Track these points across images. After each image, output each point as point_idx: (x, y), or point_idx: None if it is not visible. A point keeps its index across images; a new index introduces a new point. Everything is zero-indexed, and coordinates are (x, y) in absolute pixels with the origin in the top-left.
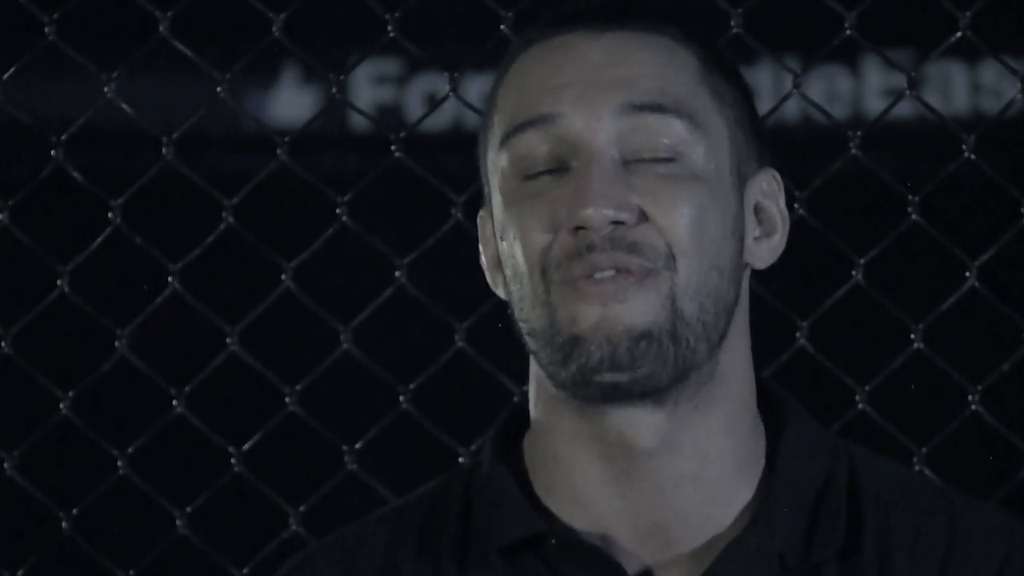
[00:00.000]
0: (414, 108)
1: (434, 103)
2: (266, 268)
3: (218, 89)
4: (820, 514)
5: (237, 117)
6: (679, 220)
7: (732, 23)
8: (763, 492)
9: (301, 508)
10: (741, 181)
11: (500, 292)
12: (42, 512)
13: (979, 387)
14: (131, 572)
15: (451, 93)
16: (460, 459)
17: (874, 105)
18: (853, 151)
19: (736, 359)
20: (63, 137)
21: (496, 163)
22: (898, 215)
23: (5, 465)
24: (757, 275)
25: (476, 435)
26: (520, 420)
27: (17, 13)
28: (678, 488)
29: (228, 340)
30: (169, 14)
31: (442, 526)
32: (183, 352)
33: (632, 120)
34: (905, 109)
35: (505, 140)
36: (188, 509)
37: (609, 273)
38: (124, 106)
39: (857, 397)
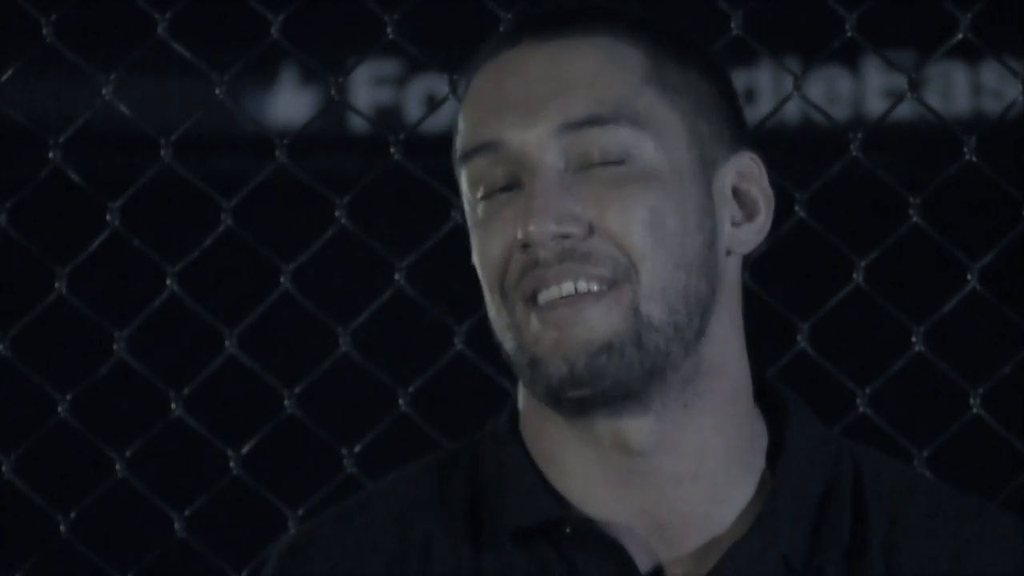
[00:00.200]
0: (413, 109)
1: (433, 104)
2: (265, 270)
3: (216, 90)
4: (825, 515)
5: (236, 118)
6: (632, 226)
7: (732, 24)
8: (766, 491)
9: (300, 511)
10: (708, 169)
11: None
12: (40, 515)
13: (980, 389)
14: (129, 575)
15: (450, 94)
16: (491, 423)
17: (875, 106)
18: (854, 153)
19: (724, 352)
20: (61, 139)
21: (461, 185)
22: (899, 217)
23: (3, 467)
24: (757, 276)
25: None
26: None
27: (15, 14)
28: (676, 487)
29: (226, 342)
30: (167, 15)
31: (454, 502)
32: (181, 354)
33: (572, 136)
34: (906, 110)
35: (459, 164)
36: (186, 512)
37: (568, 289)
38: (122, 107)
39: (858, 400)
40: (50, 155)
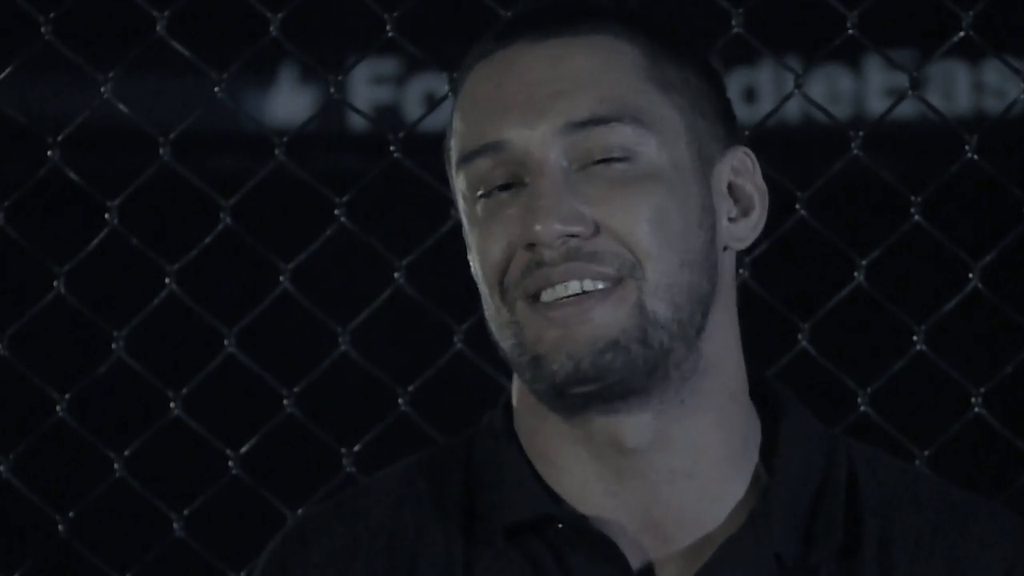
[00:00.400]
0: (413, 108)
1: (433, 103)
2: (264, 269)
3: (216, 89)
4: (818, 513)
5: (235, 117)
6: (638, 225)
7: (733, 23)
8: (759, 488)
9: (299, 511)
10: (706, 166)
11: None
12: (38, 515)
13: (982, 389)
14: (128, 575)
15: (450, 93)
16: (484, 419)
17: (876, 105)
18: (855, 151)
19: (722, 348)
20: (59, 137)
21: (457, 185)
22: (900, 216)
23: (1, 467)
24: (758, 276)
25: None
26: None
27: (13, 12)
28: (671, 484)
29: (225, 342)
30: (166, 13)
31: (448, 495)
32: (180, 354)
33: (575, 135)
34: (907, 109)
35: (459, 165)
36: (185, 512)
37: (574, 288)
38: (121, 106)
39: (859, 399)
40: (48, 154)
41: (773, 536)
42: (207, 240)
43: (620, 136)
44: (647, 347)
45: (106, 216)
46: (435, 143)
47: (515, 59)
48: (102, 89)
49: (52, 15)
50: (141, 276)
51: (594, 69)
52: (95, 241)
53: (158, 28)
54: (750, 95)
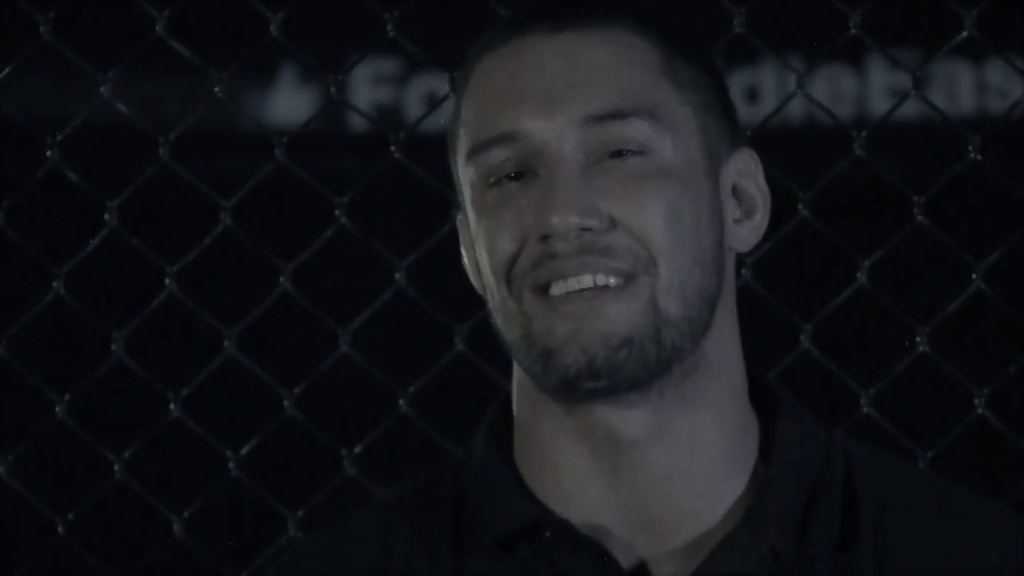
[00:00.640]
0: (413, 108)
1: (434, 103)
2: (264, 270)
3: (215, 89)
4: (814, 508)
5: (235, 117)
6: (653, 221)
7: (735, 23)
8: (756, 485)
9: (299, 513)
10: (714, 166)
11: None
12: (38, 516)
13: (985, 390)
14: None
15: (451, 93)
16: (473, 439)
17: (879, 105)
18: (858, 152)
19: (723, 347)
20: (59, 137)
21: (465, 175)
22: (903, 216)
23: (1, 469)
24: (761, 276)
25: None
26: (510, 413)
27: (12, 12)
28: (669, 481)
29: (225, 343)
30: (166, 13)
31: (436, 516)
32: (180, 355)
33: (593, 129)
34: (910, 109)
35: (472, 155)
36: (185, 514)
37: (587, 282)
38: (120, 106)
39: (862, 400)
40: (48, 154)
41: (770, 532)
42: (207, 241)
43: (637, 131)
44: (660, 345)
45: (105, 216)
46: (436, 143)
47: (530, 49)
48: (101, 89)
49: (51, 14)
50: (141, 277)
51: (611, 63)
52: (94, 242)
53: (158, 28)
54: (752, 95)
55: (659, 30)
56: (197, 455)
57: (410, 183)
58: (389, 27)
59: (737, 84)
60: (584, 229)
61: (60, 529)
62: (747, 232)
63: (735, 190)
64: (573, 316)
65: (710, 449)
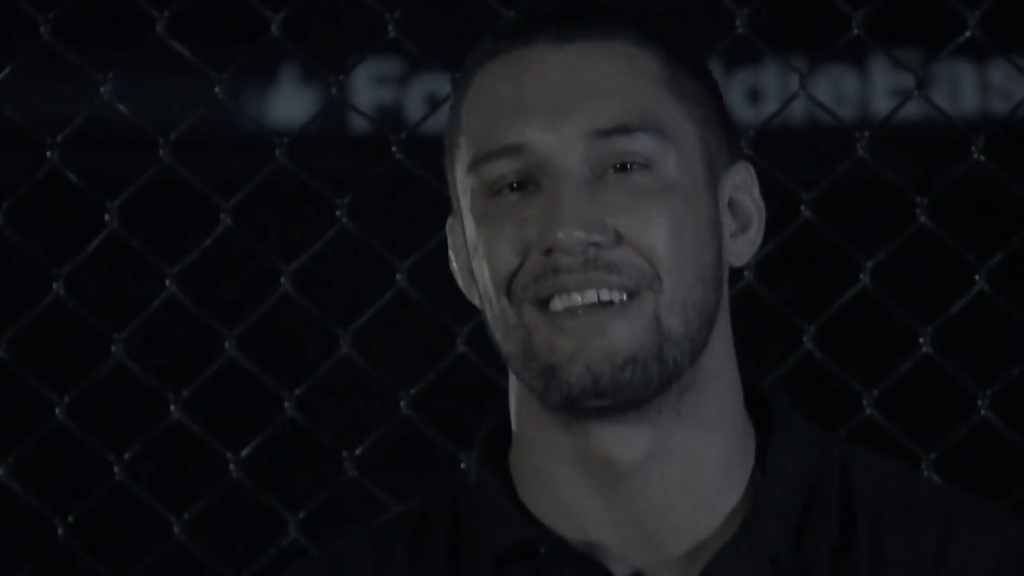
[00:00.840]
0: (415, 108)
1: (435, 104)
2: (264, 271)
3: (216, 89)
4: (812, 515)
5: (235, 118)
6: (658, 237)
7: (737, 23)
8: (753, 494)
9: (300, 515)
10: (715, 180)
11: (475, 301)
12: (38, 518)
13: (988, 392)
14: None
15: (452, 94)
16: (462, 464)
17: (882, 106)
18: (860, 152)
19: (719, 361)
20: (59, 138)
21: (465, 184)
22: (906, 217)
23: (0, 471)
24: (763, 278)
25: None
26: (506, 429)
27: (12, 12)
28: (666, 497)
29: (226, 344)
30: (166, 13)
31: (432, 538)
32: (180, 356)
33: (598, 143)
34: (913, 110)
35: (474, 166)
36: (185, 516)
37: (591, 297)
38: (121, 107)
39: (864, 402)
40: (48, 155)
41: (767, 538)
42: (207, 242)
43: (642, 145)
44: (662, 363)
45: (105, 217)
46: (438, 144)
47: (535, 60)
48: (102, 89)
49: (51, 15)
50: (141, 278)
51: (617, 76)
52: (94, 243)
53: (158, 28)
54: (754, 96)
55: (662, 40)
56: (197, 456)
57: (411, 184)
58: (390, 27)
59: (739, 84)
60: (590, 244)
61: (60, 531)
62: (743, 246)
63: (731, 203)
64: (577, 332)
65: (707, 463)
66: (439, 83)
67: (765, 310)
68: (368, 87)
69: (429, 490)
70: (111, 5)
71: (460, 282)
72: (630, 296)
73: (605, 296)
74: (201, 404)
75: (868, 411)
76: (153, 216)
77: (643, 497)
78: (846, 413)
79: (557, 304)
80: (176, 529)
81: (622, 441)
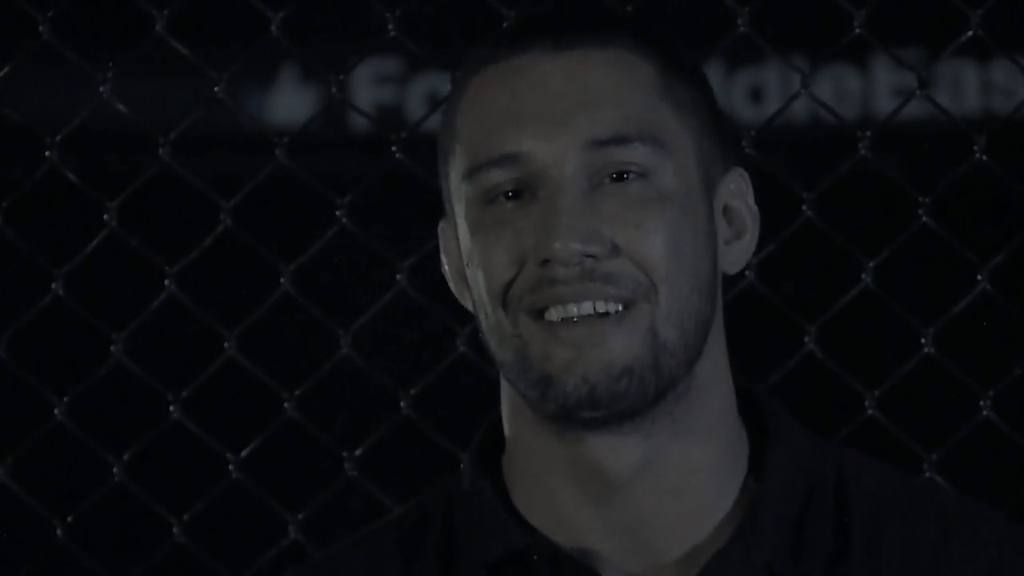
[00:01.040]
0: (415, 108)
1: (435, 103)
2: (264, 271)
3: (216, 89)
4: (807, 522)
5: (235, 117)
6: (655, 248)
7: (739, 22)
8: (748, 500)
9: (300, 515)
10: (710, 188)
11: (467, 305)
12: (36, 519)
13: (991, 392)
14: None
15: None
16: (462, 465)
17: (884, 105)
18: (862, 152)
19: (713, 368)
20: (58, 138)
21: (459, 191)
22: (908, 217)
23: None
24: (765, 278)
25: None
26: (499, 435)
27: (11, 11)
28: (660, 504)
29: (226, 344)
30: (166, 12)
31: (426, 544)
32: (180, 357)
33: (595, 153)
34: (915, 109)
35: (470, 175)
36: (185, 517)
37: (587, 308)
38: (120, 106)
39: (866, 402)
40: (47, 154)
41: (762, 546)
42: (207, 242)
43: (639, 155)
44: (658, 374)
45: (105, 217)
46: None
47: (532, 67)
48: (101, 89)
49: (50, 13)
50: (140, 278)
51: (614, 85)
52: (94, 242)
53: (158, 27)
54: (756, 95)
55: (659, 46)
56: (197, 457)
57: (412, 184)
58: (391, 26)
59: (741, 84)
60: (586, 255)
61: (59, 532)
62: (737, 253)
63: (726, 210)
64: (573, 343)
65: (700, 471)
66: (439, 83)
67: (767, 310)
68: (368, 87)
69: (423, 495)
70: (110, 4)
71: (452, 286)
72: (626, 307)
73: (601, 307)
74: (200, 404)
75: (870, 411)
76: (152, 216)
77: (636, 505)
78: (848, 414)
79: (553, 314)
80: (175, 530)
81: (616, 451)
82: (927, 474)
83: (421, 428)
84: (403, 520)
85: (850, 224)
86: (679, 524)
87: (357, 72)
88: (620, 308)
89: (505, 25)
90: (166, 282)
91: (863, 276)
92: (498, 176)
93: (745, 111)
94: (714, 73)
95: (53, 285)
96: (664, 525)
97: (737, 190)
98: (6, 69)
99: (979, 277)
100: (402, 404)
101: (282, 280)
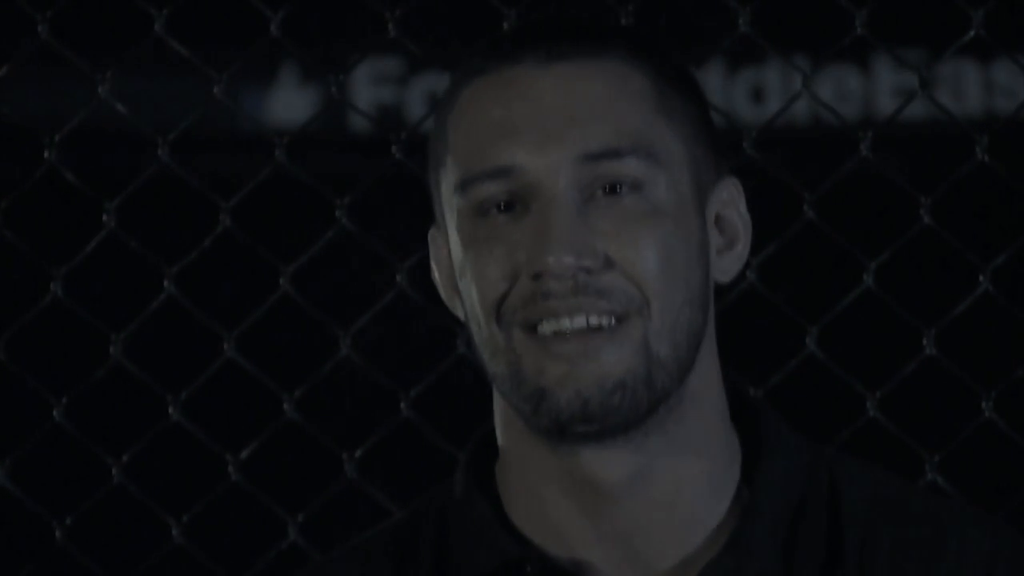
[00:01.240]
0: (415, 108)
1: (436, 103)
2: (264, 271)
3: (215, 89)
4: (799, 530)
5: (234, 117)
6: (648, 262)
7: (740, 22)
8: (740, 508)
9: (300, 517)
10: (702, 198)
11: (458, 314)
12: (35, 520)
13: (992, 393)
14: None
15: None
16: (456, 474)
17: (885, 105)
18: (864, 152)
19: (705, 379)
20: (56, 138)
21: (451, 202)
22: (909, 217)
23: None
24: (766, 279)
25: None
26: (492, 444)
27: (10, 11)
28: (652, 515)
29: (225, 345)
30: (165, 12)
31: (418, 555)
32: (179, 357)
33: (588, 166)
34: (917, 109)
35: (461, 187)
36: (184, 518)
37: (580, 323)
38: (119, 106)
39: (868, 404)
40: (45, 154)
41: (755, 555)
42: (206, 242)
43: (633, 169)
44: (651, 388)
45: (104, 217)
46: None
47: (524, 79)
48: (100, 88)
49: (49, 13)
50: (139, 278)
51: (607, 98)
52: (93, 243)
53: (156, 27)
54: (757, 95)
55: (651, 57)
56: (196, 458)
57: (411, 184)
58: (390, 26)
59: (743, 84)
60: (579, 269)
61: (58, 533)
62: (729, 262)
63: (718, 219)
64: (566, 357)
65: (693, 480)
66: (439, 83)
67: (767, 311)
68: (368, 87)
69: (415, 504)
70: (109, 4)
71: (443, 294)
72: (619, 321)
73: (594, 321)
74: (200, 405)
75: (871, 413)
76: (152, 216)
77: (629, 516)
78: (849, 415)
79: (546, 328)
80: (175, 531)
81: (608, 463)
82: (929, 475)
83: (421, 429)
84: (395, 530)
85: (851, 225)
86: (672, 535)
87: (357, 72)
88: (613, 322)
89: (497, 35)
90: (165, 283)
91: (864, 277)
92: (491, 188)
93: (746, 111)
94: (715, 73)
95: (52, 285)
96: (657, 536)
97: (729, 199)
98: (5, 69)
99: (981, 278)
100: (402, 405)
101: (281, 281)
